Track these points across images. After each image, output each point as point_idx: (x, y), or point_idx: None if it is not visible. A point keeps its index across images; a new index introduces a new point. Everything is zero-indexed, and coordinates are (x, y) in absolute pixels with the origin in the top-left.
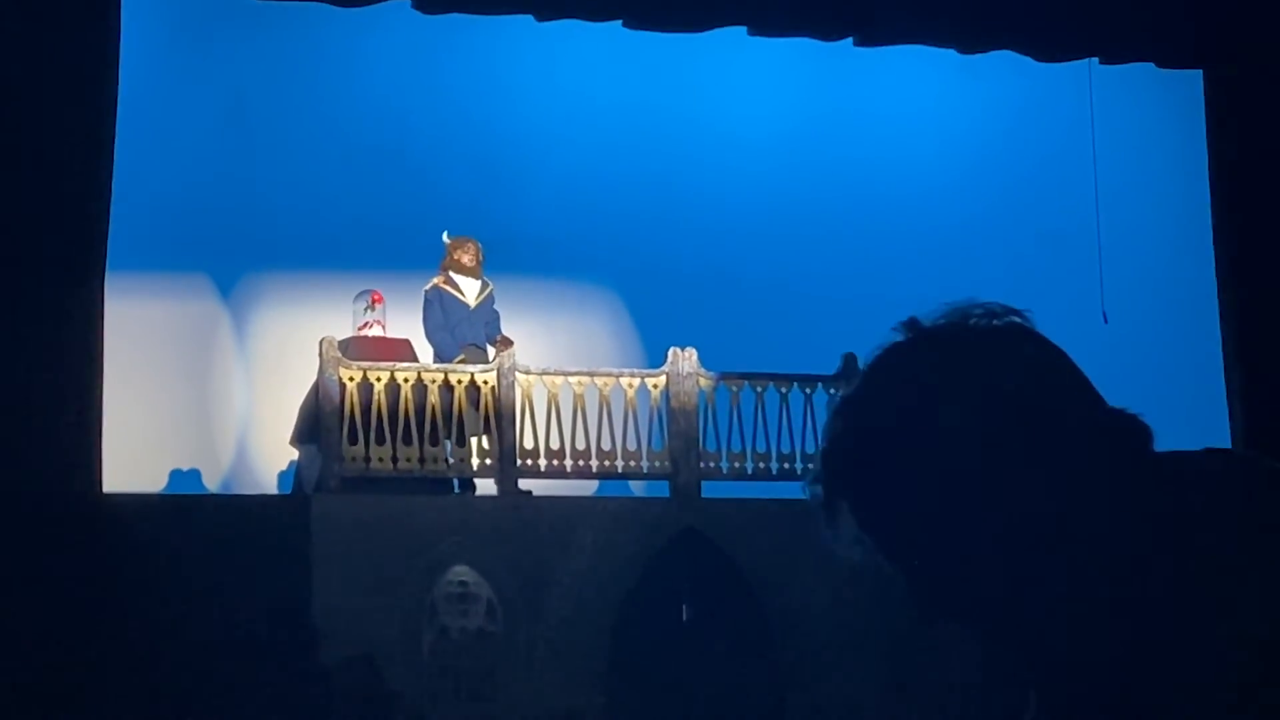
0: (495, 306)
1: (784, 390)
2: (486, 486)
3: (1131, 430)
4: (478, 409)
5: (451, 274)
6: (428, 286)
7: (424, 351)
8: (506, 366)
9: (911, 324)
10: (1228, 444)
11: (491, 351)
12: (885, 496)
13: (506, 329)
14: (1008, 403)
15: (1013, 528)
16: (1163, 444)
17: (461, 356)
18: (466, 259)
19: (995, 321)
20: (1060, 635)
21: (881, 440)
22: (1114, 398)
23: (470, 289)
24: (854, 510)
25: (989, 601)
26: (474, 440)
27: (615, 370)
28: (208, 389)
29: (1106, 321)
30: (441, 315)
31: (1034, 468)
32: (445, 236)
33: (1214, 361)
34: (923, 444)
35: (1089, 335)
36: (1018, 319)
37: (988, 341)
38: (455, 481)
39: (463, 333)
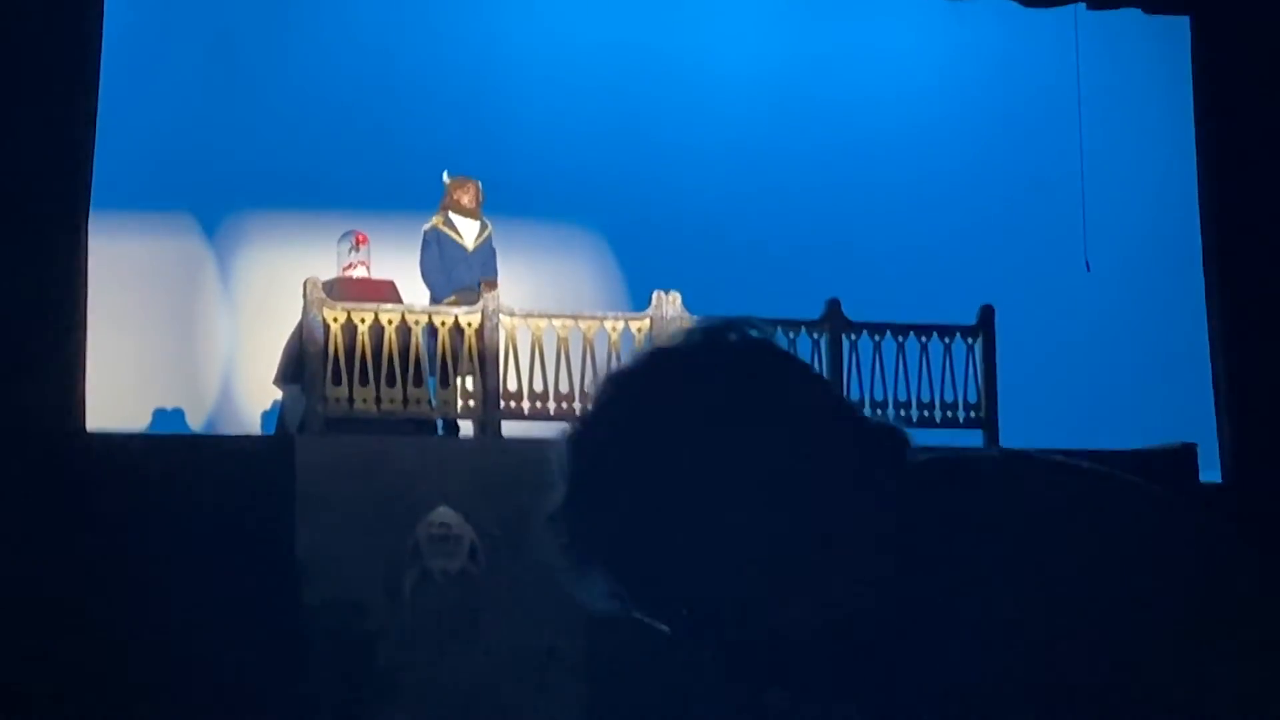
0: (495, 248)
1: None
2: (470, 429)
3: (888, 439)
4: (461, 351)
5: (451, 214)
6: (426, 226)
7: (409, 293)
8: (491, 309)
9: (651, 352)
10: (1209, 391)
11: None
12: (633, 540)
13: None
14: (752, 423)
15: (776, 554)
16: (1148, 397)
17: (453, 299)
18: (466, 199)
19: (734, 337)
20: (827, 654)
21: (622, 475)
22: (1097, 345)
23: (469, 230)
24: (603, 559)
25: (762, 643)
26: (457, 382)
27: (599, 313)
28: (192, 329)
29: (1089, 269)
30: (438, 256)
31: (787, 488)
32: (445, 176)
33: (1197, 306)
34: (664, 474)
35: (1072, 283)
36: (756, 332)
37: (728, 361)
38: (439, 423)
39: (459, 275)
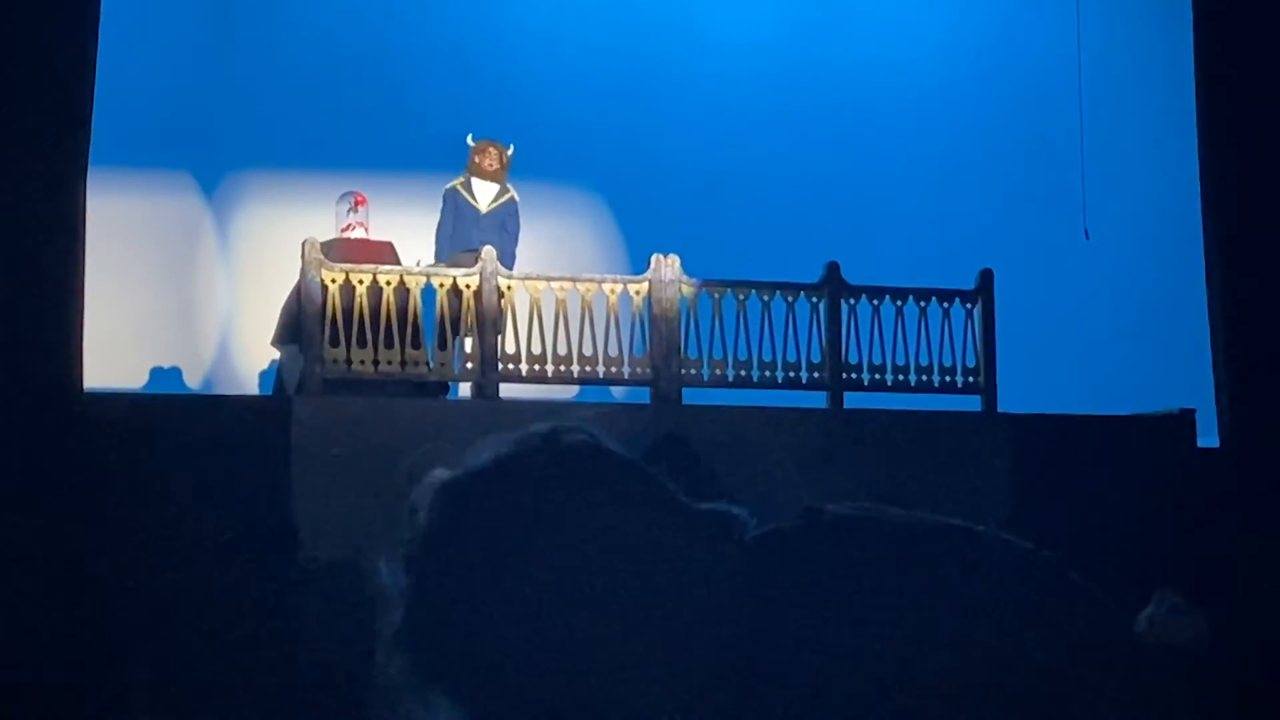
0: (519, 215)
1: (766, 298)
2: (467, 391)
3: (717, 522)
4: (460, 312)
5: (471, 177)
6: (447, 187)
7: (407, 254)
8: (489, 270)
9: (479, 467)
10: (1209, 361)
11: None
12: (475, 656)
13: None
14: (588, 522)
15: (622, 646)
16: (1146, 364)
17: (455, 260)
18: (485, 162)
19: (569, 440)
20: None
21: (460, 589)
22: (1095, 310)
23: (485, 193)
24: (446, 682)
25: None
26: (456, 343)
27: (598, 276)
28: (190, 288)
29: (1089, 238)
30: (451, 218)
31: (625, 580)
32: (469, 139)
33: (1196, 273)
34: (502, 582)
35: (1071, 249)
36: (584, 435)
37: (555, 465)
38: (440, 385)
39: (467, 235)
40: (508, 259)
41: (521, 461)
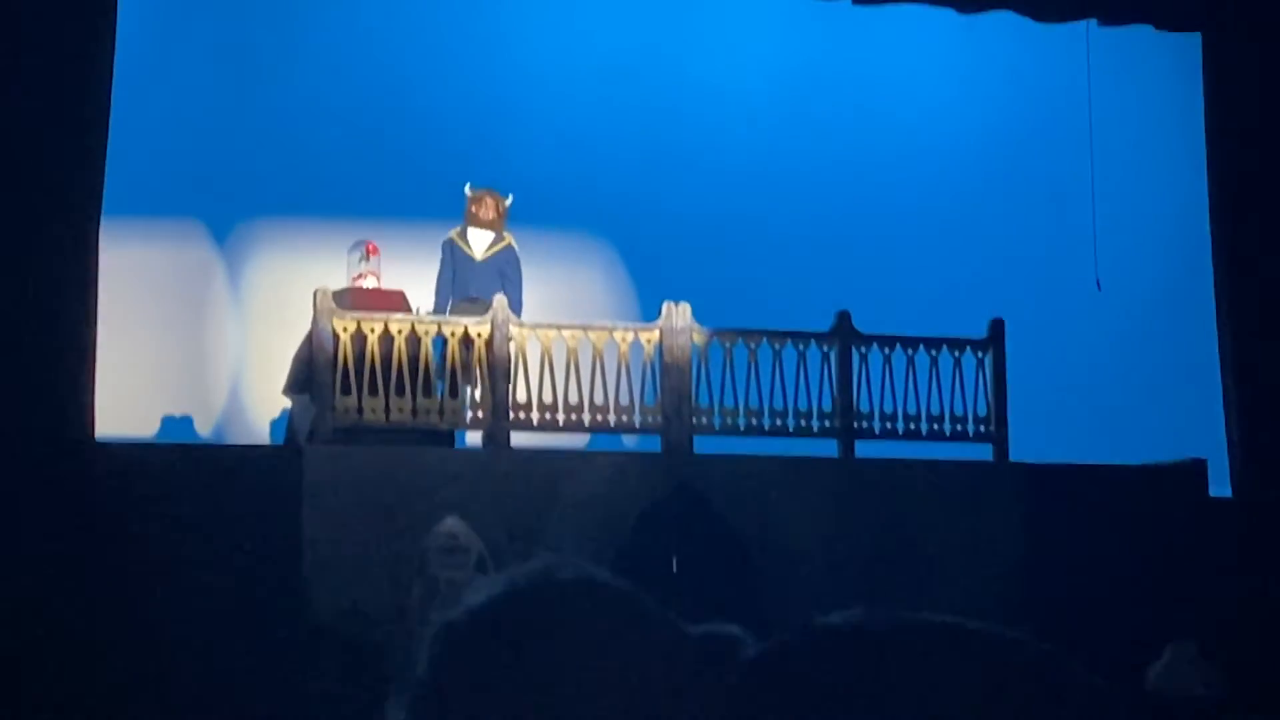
0: (519, 262)
1: (777, 346)
2: (478, 439)
3: (710, 644)
4: (471, 361)
5: (468, 226)
6: (445, 237)
7: (419, 303)
8: (500, 319)
9: (474, 610)
10: (1221, 411)
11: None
12: None
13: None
14: (585, 652)
15: None
16: (1158, 413)
17: (457, 310)
18: (481, 211)
19: (561, 577)
20: None
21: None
22: (1107, 360)
23: (480, 242)
24: None
25: None
26: (467, 392)
27: (609, 324)
28: (201, 336)
29: (1100, 289)
30: (450, 267)
31: (630, 707)
32: (467, 189)
33: (1208, 323)
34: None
35: (1082, 297)
36: (577, 571)
37: (555, 596)
38: (450, 434)
39: (464, 284)
40: (515, 306)
41: (515, 602)
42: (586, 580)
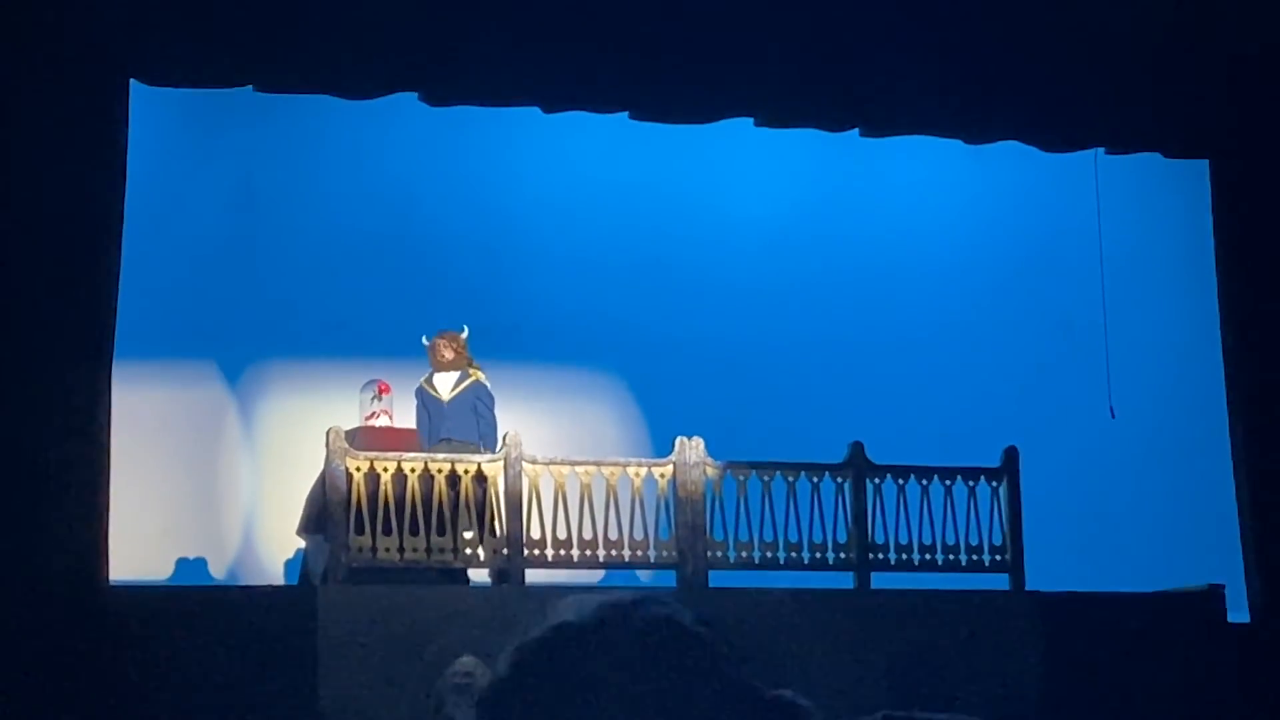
0: (491, 395)
1: (791, 479)
2: (485, 577)
3: (785, 714)
4: (484, 499)
5: (433, 372)
6: (417, 385)
7: None
8: (513, 456)
9: (559, 628)
10: (1237, 536)
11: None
12: None
13: (513, 417)
14: (658, 699)
15: None
16: (1174, 540)
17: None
18: (437, 355)
19: (641, 614)
20: None
21: None
22: (1122, 487)
23: (444, 384)
24: None
25: None
26: (481, 530)
27: (622, 459)
28: (214, 477)
29: (1114, 416)
30: (424, 414)
31: None
32: (424, 339)
33: (1223, 448)
34: None
35: (1096, 425)
36: (662, 610)
37: (636, 638)
38: (465, 572)
39: (436, 428)
40: (487, 441)
41: (601, 628)
42: (675, 623)
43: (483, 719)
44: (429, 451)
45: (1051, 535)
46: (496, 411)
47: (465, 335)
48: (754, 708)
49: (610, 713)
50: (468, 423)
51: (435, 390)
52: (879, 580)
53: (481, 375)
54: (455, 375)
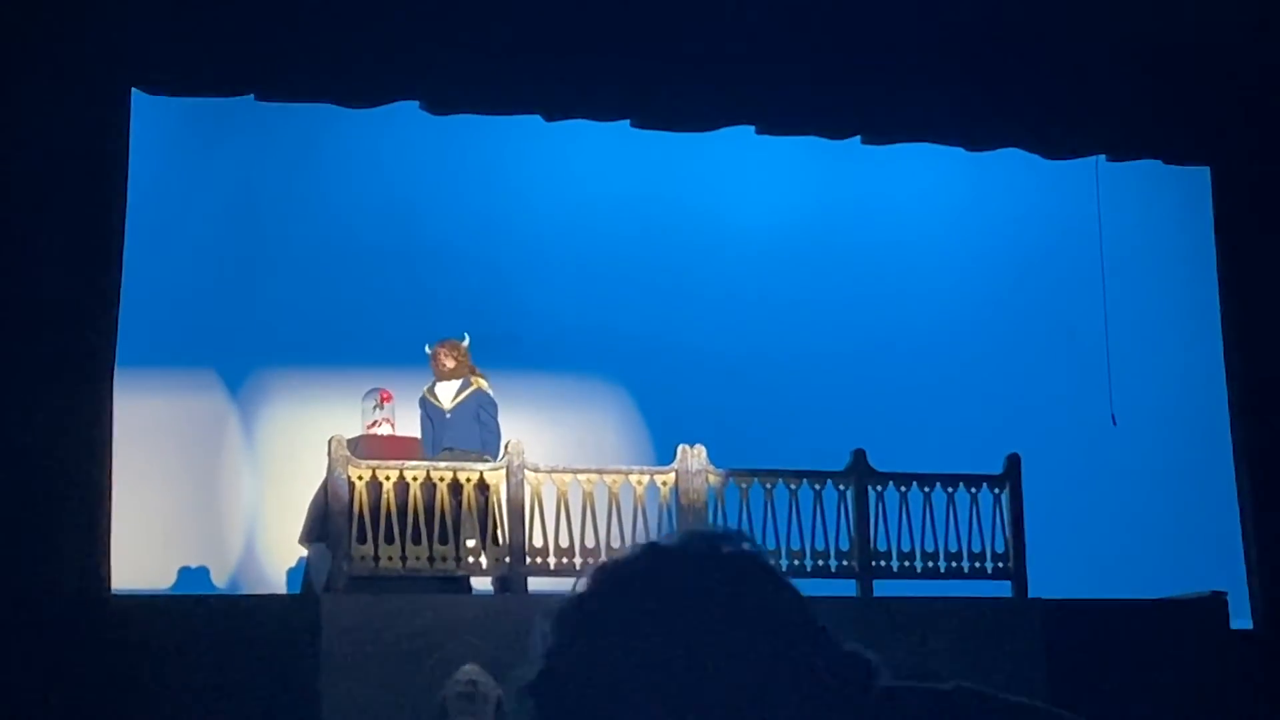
0: (494, 402)
1: (793, 486)
2: (488, 586)
3: (858, 666)
4: (486, 507)
5: (435, 381)
6: (420, 394)
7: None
8: (515, 464)
9: (648, 548)
10: (1240, 543)
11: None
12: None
13: (515, 426)
14: (738, 640)
15: None
16: (1177, 547)
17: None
18: (438, 363)
19: (728, 549)
20: None
21: (604, 669)
22: (1124, 494)
23: (446, 393)
24: None
25: None
26: (483, 539)
27: (624, 467)
28: (216, 486)
29: (1115, 424)
30: (428, 423)
31: (765, 709)
32: (427, 348)
33: (1225, 455)
34: (647, 679)
35: (1098, 432)
36: (749, 546)
37: (721, 574)
38: (467, 581)
39: (439, 437)
40: (490, 448)
41: (677, 565)
42: (756, 562)
43: (558, 632)
44: (432, 460)
45: (1054, 542)
46: (499, 419)
47: (466, 343)
48: (829, 658)
49: (685, 644)
50: (470, 432)
51: (437, 399)
52: (881, 588)
53: (484, 383)
54: (457, 384)
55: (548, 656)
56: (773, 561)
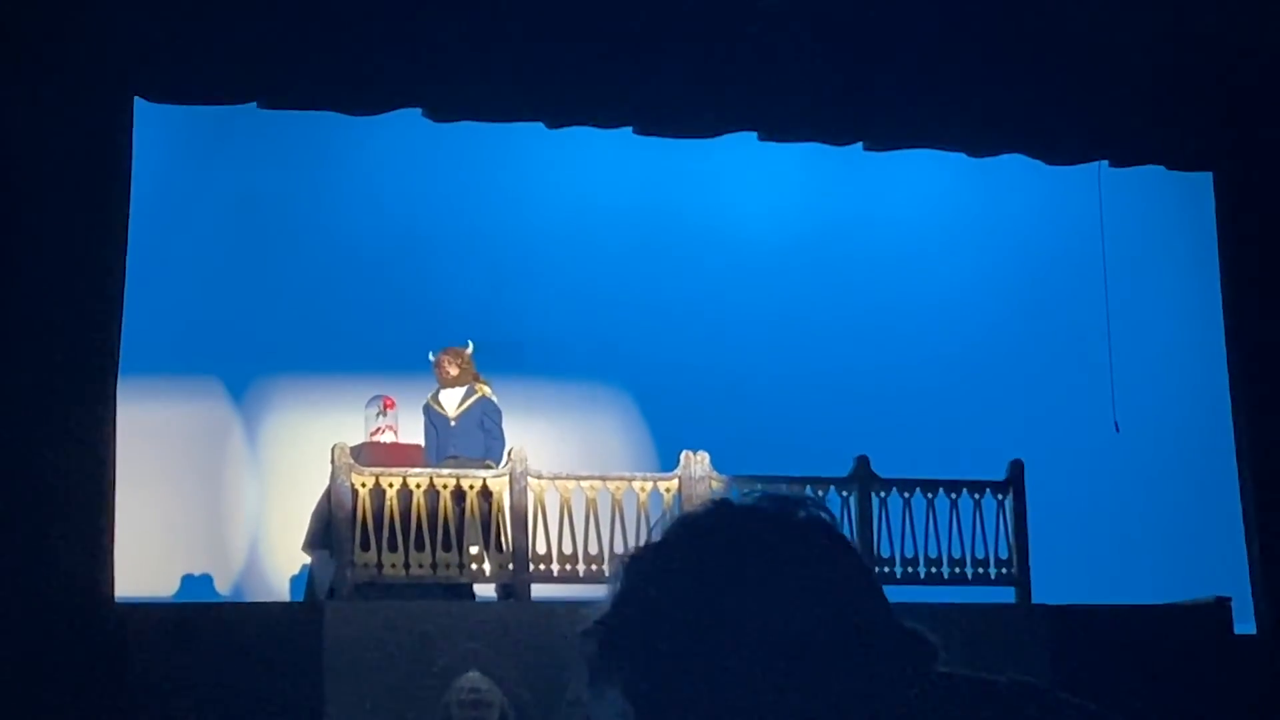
0: (498, 409)
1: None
2: (491, 593)
3: (921, 645)
4: (490, 514)
5: (440, 388)
6: (424, 402)
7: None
8: (518, 471)
9: (722, 503)
10: (1243, 548)
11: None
12: (664, 673)
13: (518, 432)
14: (804, 602)
15: None
16: (1180, 552)
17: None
18: (442, 371)
19: (802, 514)
20: None
21: (671, 615)
22: (1128, 500)
23: (450, 400)
24: (627, 680)
25: None
26: (486, 545)
27: (628, 474)
28: (219, 494)
29: (1119, 430)
30: (432, 431)
31: (823, 675)
32: (430, 355)
33: (1228, 462)
34: (711, 629)
35: (1101, 437)
36: (824, 515)
37: (793, 535)
38: (470, 588)
39: (443, 445)
40: (495, 455)
41: (750, 521)
42: (826, 529)
43: (628, 576)
44: (435, 468)
45: (1058, 548)
46: (503, 425)
47: (470, 351)
48: (890, 632)
49: (755, 607)
50: (474, 440)
51: (441, 407)
52: (885, 594)
53: (488, 389)
54: (461, 391)
55: (616, 602)
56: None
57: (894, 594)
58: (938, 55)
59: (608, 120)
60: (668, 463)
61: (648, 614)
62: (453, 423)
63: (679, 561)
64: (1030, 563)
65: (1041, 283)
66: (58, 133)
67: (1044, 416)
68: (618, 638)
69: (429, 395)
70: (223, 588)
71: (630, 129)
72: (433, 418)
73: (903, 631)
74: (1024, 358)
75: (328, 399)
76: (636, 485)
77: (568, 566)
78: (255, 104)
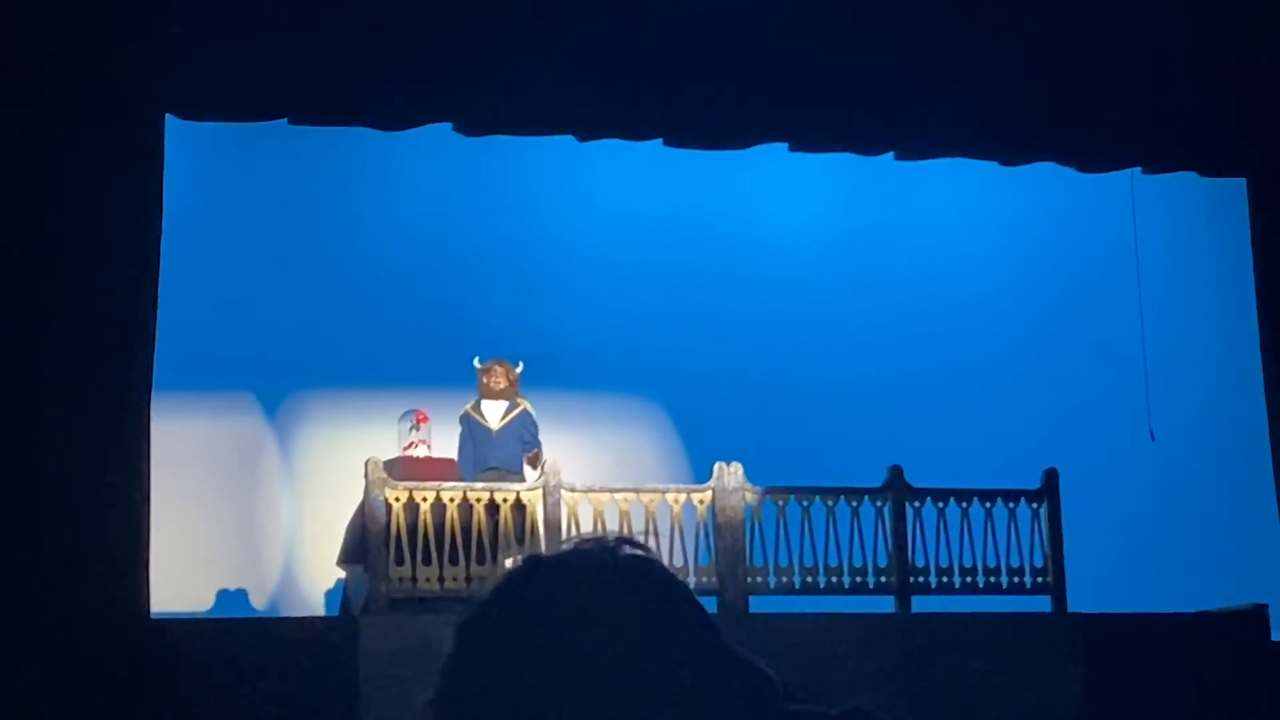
0: (536, 423)
1: (830, 503)
2: None
3: (760, 683)
4: (523, 527)
5: (481, 398)
6: (461, 412)
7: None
8: (551, 484)
9: (532, 561)
10: (1279, 555)
11: (529, 473)
12: None
13: (552, 445)
14: (627, 651)
15: None
16: (1217, 560)
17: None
18: (489, 381)
19: (622, 554)
20: None
21: (499, 685)
22: (1163, 507)
23: (494, 412)
24: None
25: None
26: (518, 559)
27: (661, 486)
28: (254, 509)
29: (1154, 439)
30: (469, 441)
31: (653, 710)
32: (476, 362)
33: (1264, 469)
34: (538, 691)
35: (1136, 445)
36: (643, 553)
37: (609, 583)
38: None
39: (483, 456)
40: (534, 448)
41: (561, 574)
42: (651, 570)
43: (457, 645)
44: (473, 480)
45: (1093, 557)
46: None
47: (520, 370)
48: (723, 674)
49: (585, 656)
50: (514, 451)
51: (484, 418)
52: (920, 604)
53: (528, 405)
54: (505, 404)
55: (445, 675)
56: (668, 566)
57: (929, 604)
58: (968, 65)
59: (638, 133)
60: (701, 474)
61: (476, 687)
62: (494, 434)
63: (500, 629)
64: (1065, 572)
65: (1074, 290)
66: (90, 151)
67: (1079, 425)
68: (453, 713)
69: (468, 405)
70: (258, 602)
71: (660, 141)
72: (472, 427)
73: (743, 669)
74: (1058, 366)
75: (361, 413)
76: (670, 497)
77: None
78: (286, 120)
